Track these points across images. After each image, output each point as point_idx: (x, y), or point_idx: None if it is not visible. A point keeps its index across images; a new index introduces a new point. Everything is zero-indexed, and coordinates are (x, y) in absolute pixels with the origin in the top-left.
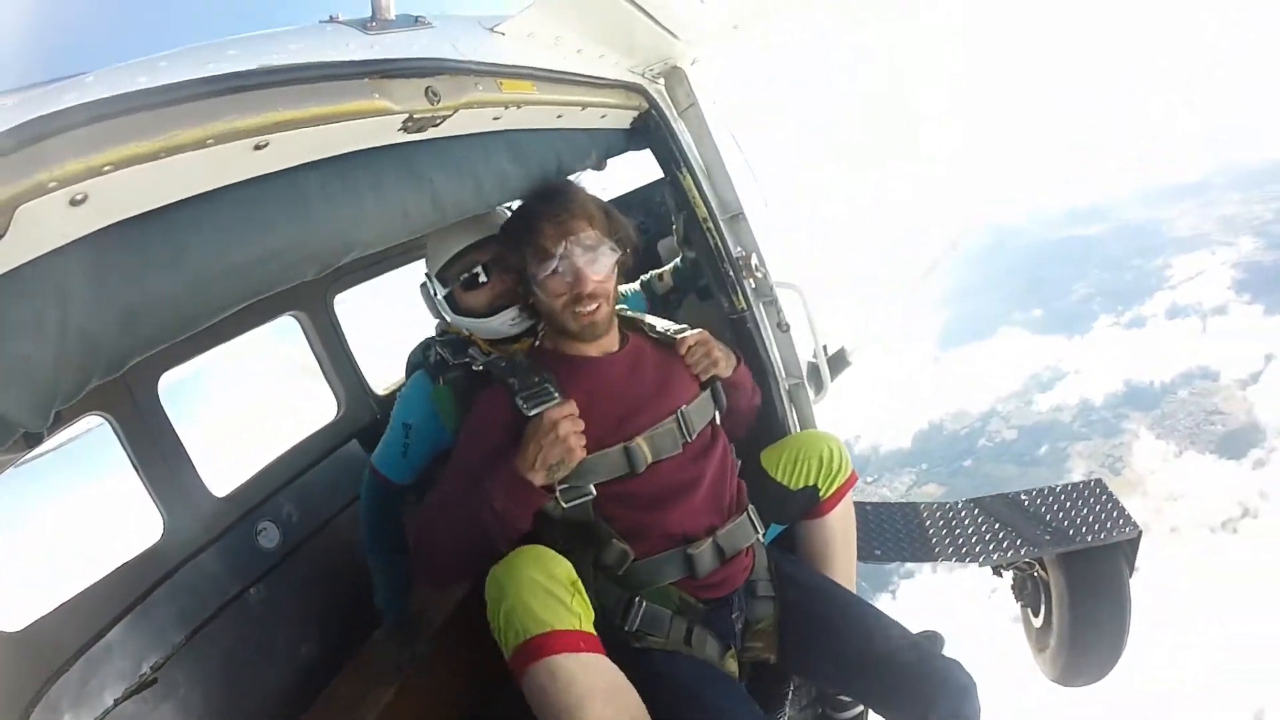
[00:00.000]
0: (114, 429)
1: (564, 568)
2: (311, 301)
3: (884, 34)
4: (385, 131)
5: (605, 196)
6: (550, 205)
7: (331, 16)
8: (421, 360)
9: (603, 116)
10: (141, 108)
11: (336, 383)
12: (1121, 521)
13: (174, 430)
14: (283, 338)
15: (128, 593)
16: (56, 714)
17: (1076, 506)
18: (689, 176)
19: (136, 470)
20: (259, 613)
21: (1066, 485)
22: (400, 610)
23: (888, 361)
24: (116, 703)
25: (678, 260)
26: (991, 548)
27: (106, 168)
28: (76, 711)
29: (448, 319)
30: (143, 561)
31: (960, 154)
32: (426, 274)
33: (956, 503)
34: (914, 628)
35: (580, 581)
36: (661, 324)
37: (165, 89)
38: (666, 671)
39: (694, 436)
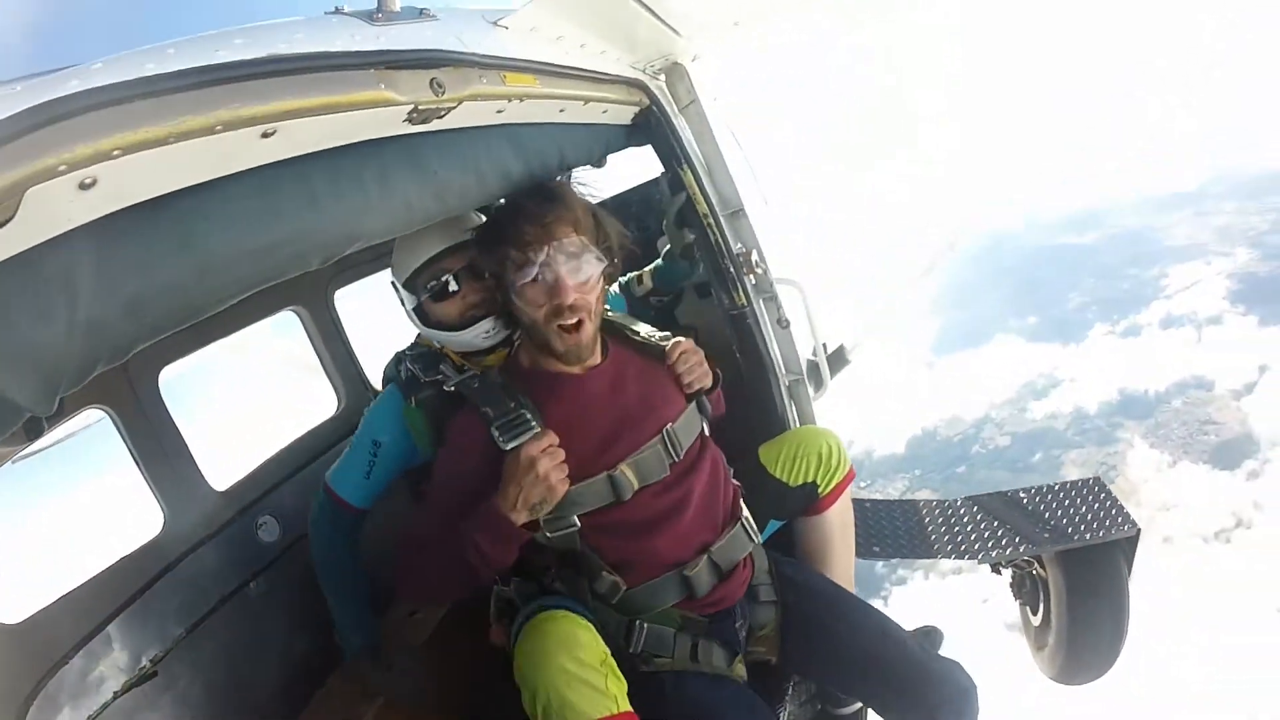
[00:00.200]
0: (115, 422)
1: (592, 648)
2: (312, 296)
3: (881, 34)
4: (390, 122)
5: (606, 193)
6: (533, 205)
7: (337, 8)
8: (394, 374)
9: (604, 112)
10: (151, 93)
11: (337, 378)
12: (1120, 519)
13: (175, 424)
14: (278, 332)
15: (128, 586)
16: (56, 706)
17: (1075, 504)
18: (690, 173)
19: (137, 464)
20: (259, 606)
21: (1065, 483)
22: (366, 640)
23: (883, 366)
24: (116, 695)
25: (659, 260)
26: (990, 545)
27: (116, 152)
28: (76, 703)
29: (420, 330)
30: (143, 555)
31: (957, 154)
32: (393, 283)
33: (956, 500)
34: (911, 626)
35: (610, 657)
36: (645, 329)
37: (174, 75)
38: (678, 695)
39: (681, 455)
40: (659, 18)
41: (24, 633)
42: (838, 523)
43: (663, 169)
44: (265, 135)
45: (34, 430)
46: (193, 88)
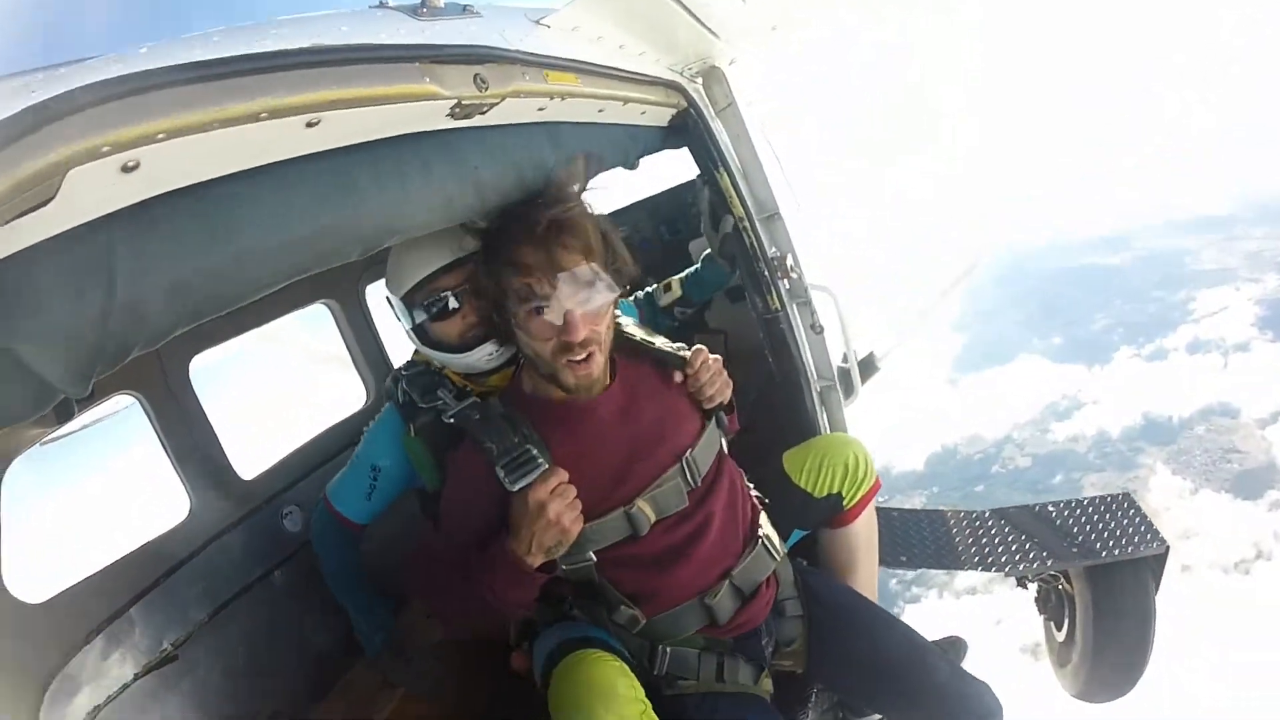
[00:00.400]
0: (145, 408)
1: (630, 701)
2: (344, 289)
3: (904, 29)
4: (433, 116)
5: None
6: (538, 226)
7: (382, 2)
8: (393, 393)
9: (643, 113)
10: (197, 79)
11: (366, 371)
12: (1149, 536)
13: (204, 412)
14: (304, 326)
15: (152, 570)
16: (76, 685)
17: (1104, 519)
18: (726, 176)
19: (165, 450)
20: (281, 595)
21: (1094, 498)
22: (387, 638)
23: (905, 382)
24: (136, 677)
25: (696, 265)
26: (1018, 558)
27: (160, 135)
28: (96, 684)
29: (421, 349)
30: (167, 540)
31: (978, 151)
32: (388, 297)
33: (984, 512)
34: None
35: (649, 707)
36: (660, 340)
37: (220, 62)
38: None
39: (700, 483)
40: (699, 20)
41: (47, 612)
42: (863, 535)
43: (698, 171)
44: (310, 125)
45: (64, 413)
46: (239, 75)
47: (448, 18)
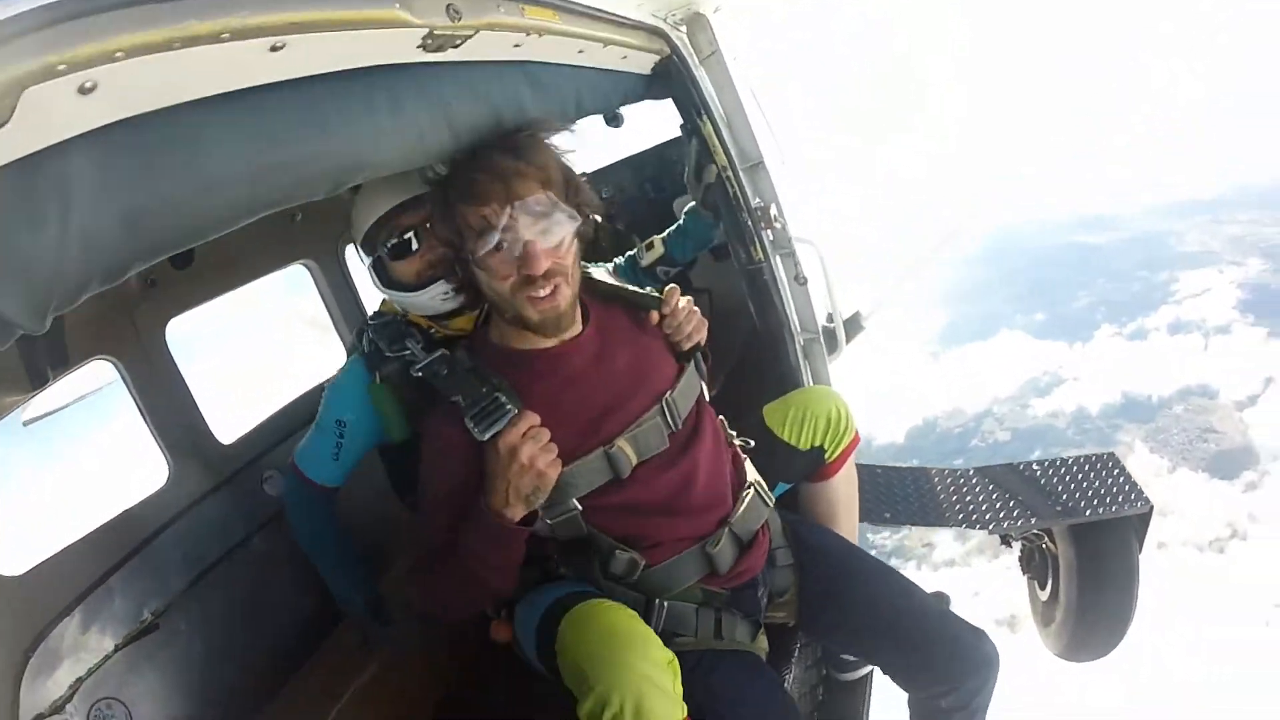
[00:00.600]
0: (121, 373)
1: (658, 646)
2: (323, 250)
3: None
4: (404, 47)
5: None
6: (496, 155)
7: None
8: (357, 346)
9: (624, 57)
10: None
11: (347, 333)
12: (1133, 495)
13: (181, 376)
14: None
15: (131, 539)
16: (57, 658)
17: (1088, 479)
18: (709, 124)
19: (143, 415)
20: (262, 560)
21: (1079, 457)
22: (363, 599)
23: (888, 354)
24: (117, 647)
25: (680, 220)
26: (1002, 516)
27: (118, 54)
28: (77, 655)
29: (380, 290)
30: (146, 507)
31: (965, 123)
32: (352, 240)
33: (968, 470)
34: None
35: (674, 657)
36: (630, 286)
37: None
38: (704, 682)
39: (680, 425)
40: None
41: (25, 585)
42: (844, 489)
43: (681, 122)
44: (274, 49)
45: (38, 378)
46: None
47: None
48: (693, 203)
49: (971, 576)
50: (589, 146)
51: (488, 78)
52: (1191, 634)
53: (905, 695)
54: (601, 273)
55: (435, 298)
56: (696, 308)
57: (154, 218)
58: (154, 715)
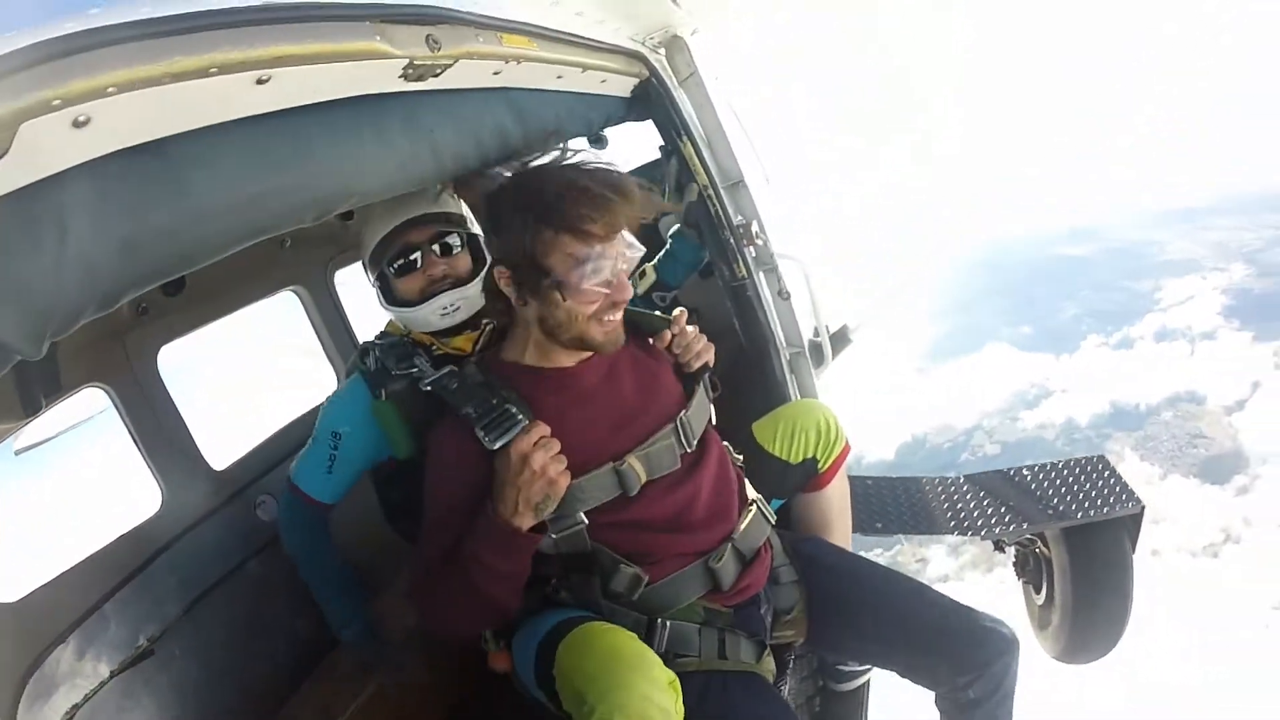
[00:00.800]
0: (114, 400)
1: (662, 668)
2: (312, 277)
3: (879, 13)
4: (386, 77)
5: None
6: (595, 187)
7: None
8: (360, 366)
9: (603, 81)
10: (147, 35)
11: (337, 358)
12: (1124, 497)
13: (173, 403)
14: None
15: (125, 565)
16: (52, 684)
17: (1079, 482)
18: (690, 145)
19: (135, 442)
20: (257, 586)
21: (1069, 461)
22: (359, 623)
23: (875, 372)
24: (113, 674)
25: (668, 244)
26: (994, 522)
27: (110, 89)
28: (72, 682)
29: (383, 308)
30: (141, 534)
31: (969, 123)
32: (362, 260)
33: (959, 477)
34: None
35: (676, 678)
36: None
37: (171, 18)
38: (710, 705)
39: (693, 446)
40: None
41: (21, 611)
42: (838, 498)
43: (661, 142)
44: (260, 82)
45: (31, 406)
46: (189, 31)
47: None
48: (677, 225)
49: (966, 591)
50: None
51: (469, 105)
52: (1188, 639)
53: (901, 706)
54: None
55: (435, 312)
56: (698, 331)
57: (147, 246)
58: None
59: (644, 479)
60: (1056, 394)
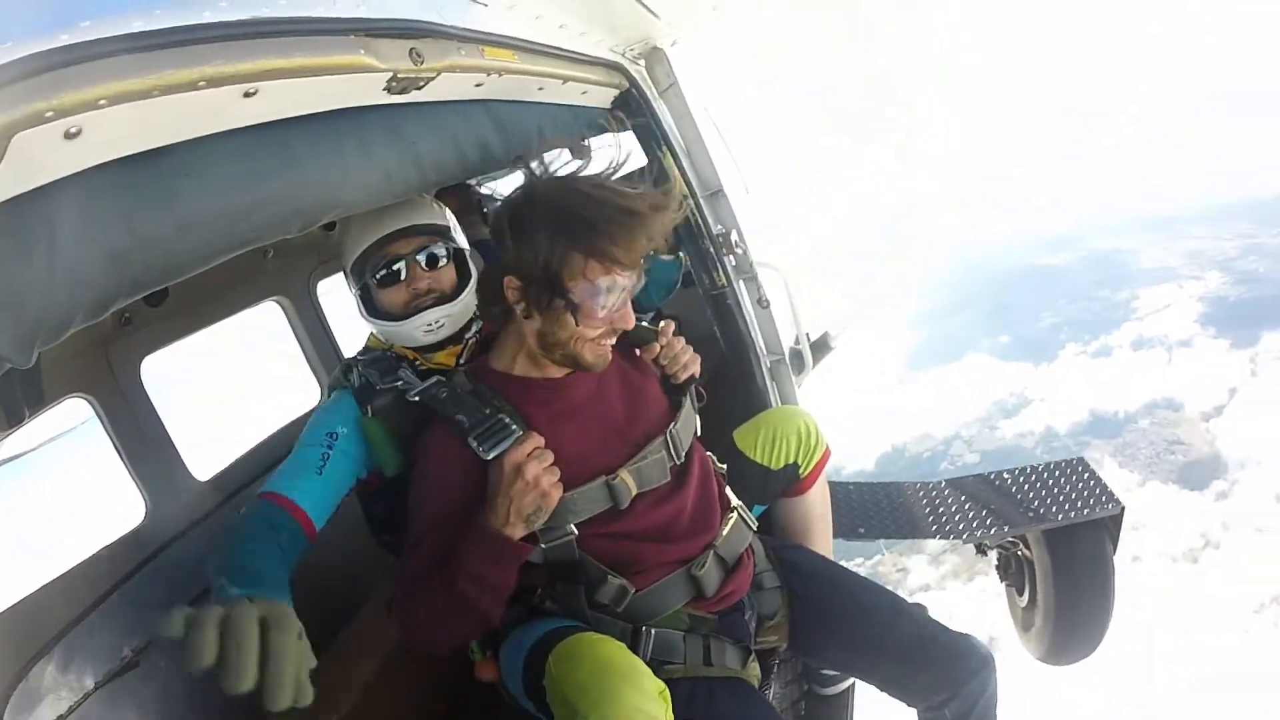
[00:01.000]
0: (97, 410)
1: (651, 678)
2: (294, 287)
3: (871, 7)
4: (370, 90)
5: None
6: (626, 214)
7: None
8: (343, 383)
9: (584, 93)
10: (138, 48)
11: (320, 368)
12: (1104, 498)
13: (157, 413)
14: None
15: (109, 576)
16: (36, 697)
17: (1059, 484)
18: (669, 155)
19: (119, 452)
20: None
21: (1049, 464)
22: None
23: (853, 382)
24: (97, 685)
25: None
26: (976, 525)
27: (101, 102)
28: (56, 694)
29: (366, 321)
30: (125, 545)
31: (954, 122)
32: (343, 269)
33: (940, 481)
34: None
35: (666, 687)
36: None
37: (160, 32)
38: (696, 712)
39: (682, 458)
40: (639, 0)
41: (4, 624)
42: (819, 503)
43: (642, 152)
44: (247, 95)
45: (14, 415)
46: (178, 45)
47: None
48: None
49: (946, 600)
50: None
51: (452, 117)
52: (1169, 644)
53: (885, 710)
54: None
55: (419, 329)
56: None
57: (136, 255)
58: None
59: (634, 492)
60: (1035, 402)
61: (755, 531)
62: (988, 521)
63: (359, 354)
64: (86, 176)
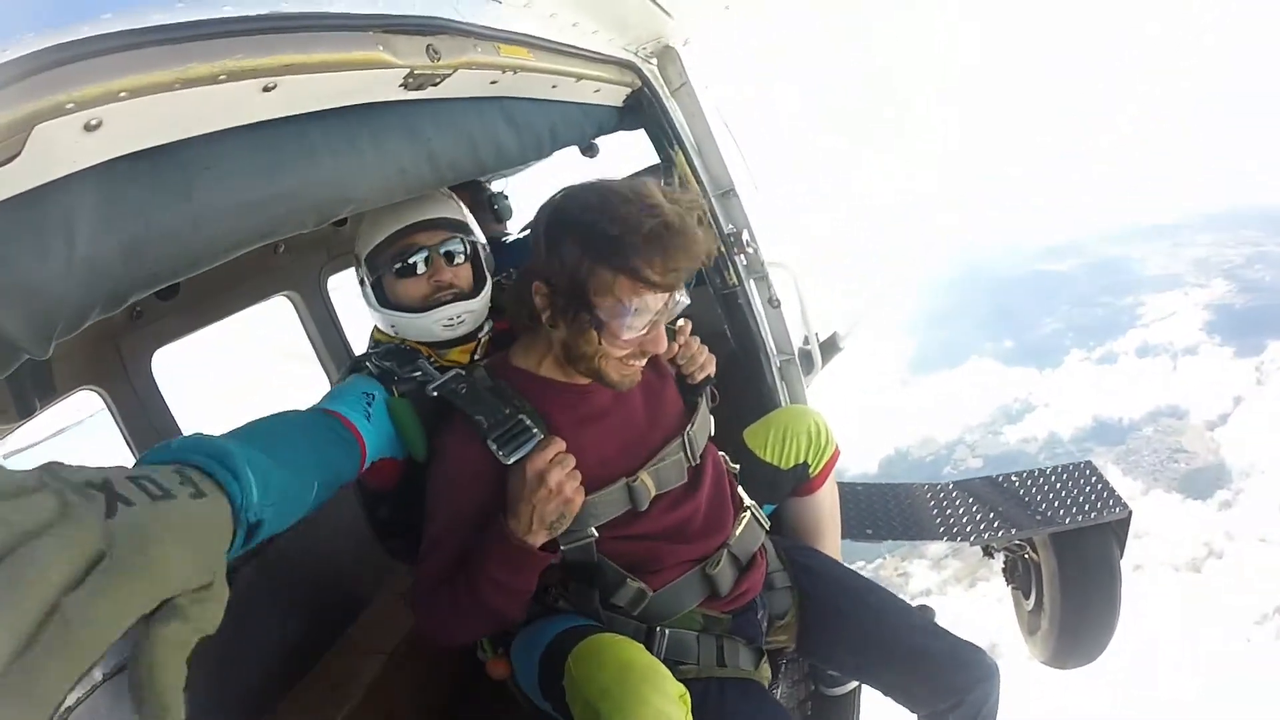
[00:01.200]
0: (107, 403)
1: (673, 682)
2: (305, 282)
3: (864, 13)
4: (387, 86)
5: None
6: (665, 236)
7: None
8: (359, 370)
9: (596, 91)
10: (159, 41)
11: (330, 364)
12: (1112, 502)
13: (167, 405)
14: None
15: None
16: None
17: (1067, 487)
18: (681, 154)
19: (129, 445)
20: (249, 591)
21: (1056, 467)
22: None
23: (857, 384)
24: (105, 677)
25: None
26: (983, 528)
27: (123, 94)
28: None
29: (373, 311)
30: None
31: (954, 123)
32: (355, 255)
33: (948, 484)
34: None
35: (686, 690)
36: None
37: (181, 25)
38: (710, 713)
39: (699, 460)
40: None
41: None
42: (827, 503)
43: (655, 151)
44: (266, 89)
45: (25, 409)
46: (199, 38)
47: None
48: None
49: (948, 605)
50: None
51: (466, 114)
52: (1171, 653)
53: (892, 711)
54: None
55: (439, 323)
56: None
57: (153, 248)
58: None
59: (653, 493)
60: (1039, 408)
61: (767, 531)
62: (995, 524)
63: (371, 349)
64: (106, 168)
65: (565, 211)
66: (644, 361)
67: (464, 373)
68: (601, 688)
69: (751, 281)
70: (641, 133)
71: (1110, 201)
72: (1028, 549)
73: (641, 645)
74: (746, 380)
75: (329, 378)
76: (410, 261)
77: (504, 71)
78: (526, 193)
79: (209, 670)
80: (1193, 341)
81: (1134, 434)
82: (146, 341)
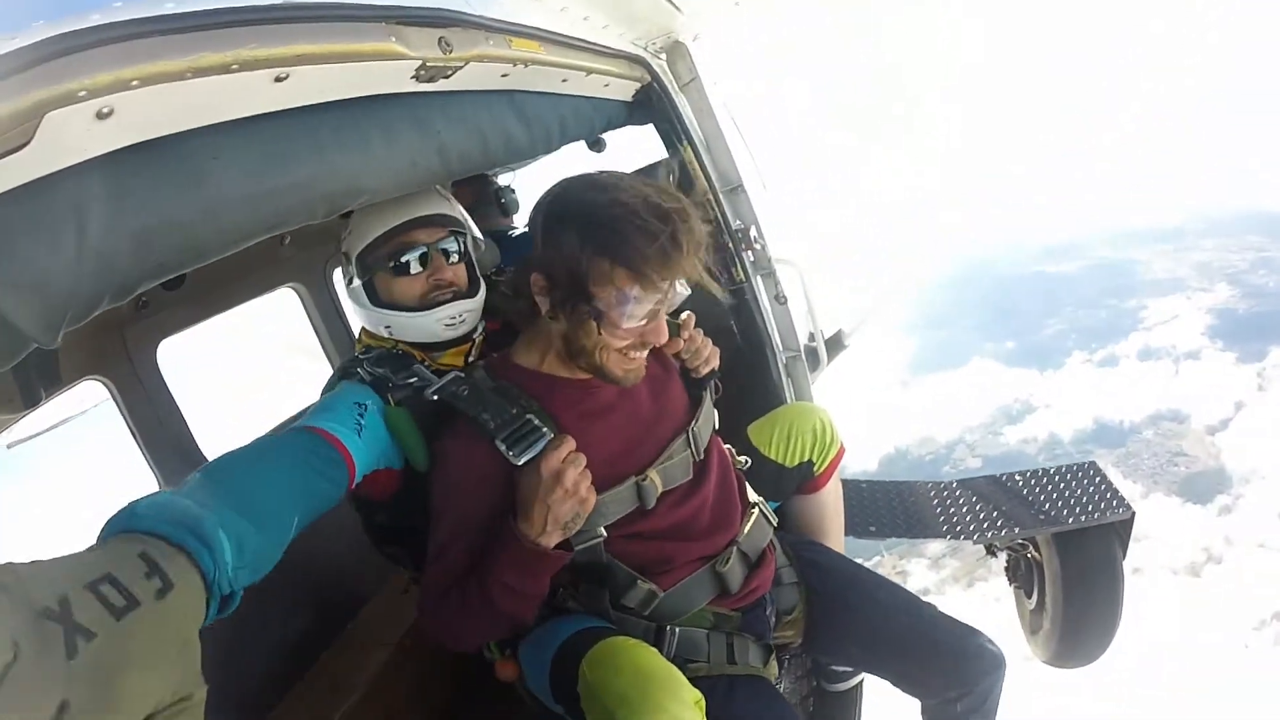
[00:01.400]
0: (112, 393)
1: (689, 687)
2: (311, 274)
3: (884, 8)
4: (398, 78)
5: None
6: (662, 236)
7: None
8: (351, 373)
9: (606, 85)
10: (172, 29)
11: (335, 355)
12: (1115, 502)
13: (172, 396)
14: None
15: None
16: None
17: (1070, 487)
18: (689, 150)
19: (134, 435)
20: (248, 592)
21: (1060, 467)
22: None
23: (857, 383)
24: None
25: None
26: (986, 526)
27: (134, 82)
28: None
29: (364, 310)
30: None
31: (960, 119)
32: (344, 253)
33: (951, 482)
34: None
35: (702, 697)
36: None
37: (194, 14)
38: (721, 711)
39: (704, 455)
40: None
41: None
42: (832, 501)
43: (664, 146)
44: (278, 79)
45: (30, 398)
46: (212, 27)
47: None
48: None
49: (946, 605)
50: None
51: (476, 106)
52: (1170, 657)
53: (893, 707)
54: None
55: (440, 322)
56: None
57: (163, 238)
58: None
59: (660, 490)
60: (1040, 409)
61: (775, 527)
62: (998, 523)
63: (359, 354)
64: (116, 157)
65: (563, 203)
66: (645, 353)
67: (463, 375)
68: (619, 694)
69: (758, 278)
70: (649, 128)
71: (1113, 203)
72: (1030, 548)
73: (656, 650)
74: (752, 376)
75: (333, 369)
76: (407, 259)
77: (515, 65)
78: (535, 186)
79: (209, 670)
80: (1195, 346)
81: (1134, 437)
82: (152, 332)
